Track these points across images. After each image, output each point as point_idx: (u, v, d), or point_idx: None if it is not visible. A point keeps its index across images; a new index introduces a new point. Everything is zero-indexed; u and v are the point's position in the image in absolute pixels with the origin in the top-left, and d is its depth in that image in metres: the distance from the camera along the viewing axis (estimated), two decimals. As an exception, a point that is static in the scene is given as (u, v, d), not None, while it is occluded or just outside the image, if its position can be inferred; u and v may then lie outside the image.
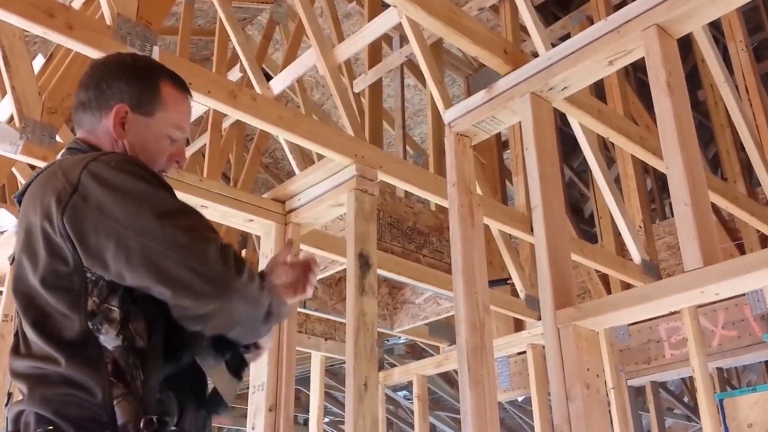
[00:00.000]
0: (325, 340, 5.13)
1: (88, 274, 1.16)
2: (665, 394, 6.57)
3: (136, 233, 1.12)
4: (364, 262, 2.81)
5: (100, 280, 1.16)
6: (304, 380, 6.01)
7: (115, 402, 1.10)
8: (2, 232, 3.58)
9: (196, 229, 1.16)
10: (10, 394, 1.20)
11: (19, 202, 1.30)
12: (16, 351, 1.20)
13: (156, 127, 1.34)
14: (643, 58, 2.08)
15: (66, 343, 1.13)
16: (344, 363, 4.21)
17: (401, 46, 5.07)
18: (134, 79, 1.34)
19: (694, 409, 6.76)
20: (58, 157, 1.34)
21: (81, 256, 1.15)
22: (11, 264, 1.28)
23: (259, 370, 2.93)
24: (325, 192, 3.08)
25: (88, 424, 1.09)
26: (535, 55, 2.58)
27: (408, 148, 5.61)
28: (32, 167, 3.62)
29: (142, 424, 1.10)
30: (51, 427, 1.08)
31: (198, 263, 1.12)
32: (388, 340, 6.17)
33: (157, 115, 1.34)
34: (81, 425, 1.09)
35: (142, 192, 1.17)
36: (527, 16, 2.80)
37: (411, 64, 5.46)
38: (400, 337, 5.72)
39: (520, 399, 6.92)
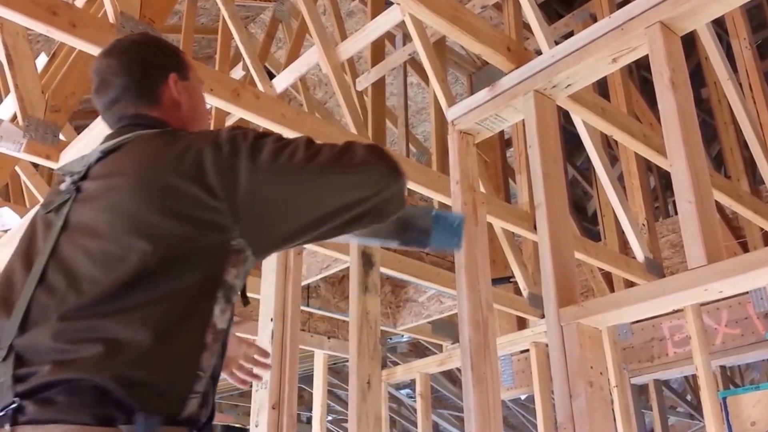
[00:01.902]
0: (328, 338, 5.13)
1: (233, 242, 1.13)
2: (668, 392, 6.57)
3: (310, 174, 1.16)
4: (367, 261, 2.81)
5: (242, 253, 1.15)
6: (307, 378, 6.02)
7: (190, 396, 1.06)
8: (6, 231, 3.58)
9: (328, 146, 1.21)
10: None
11: (96, 162, 1.23)
12: (69, 310, 1.06)
13: (196, 88, 1.42)
14: (646, 56, 2.07)
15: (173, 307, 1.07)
16: (347, 361, 4.20)
17: (404, 44, 5.06)
18: (164, 49, 1.41)
19: (697, 407, 6.76)
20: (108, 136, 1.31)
21: (251, 219, 1.14)
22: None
23: (262, 368, 2.94)
24: (328, 190, 3.07)
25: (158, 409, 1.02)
26: (539, 52, 2.58)
27: (411, 146, 5.61)
28: (35, 166, 3.62)
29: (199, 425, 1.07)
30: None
31: (361, 161, 1.18)
32: (391, 339, 6.17)
33: (190, 76, 1.41)
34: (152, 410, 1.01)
35: (290, 142, 1.22)
36: (530, 14, 2.79)
37: (414, 62, 5.45)
38: (403, 336, 5.72)
39: (523, 397, 6.93)
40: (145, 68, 1.34)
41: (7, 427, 0.97)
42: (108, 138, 1.30)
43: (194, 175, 1.13)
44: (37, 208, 1.29)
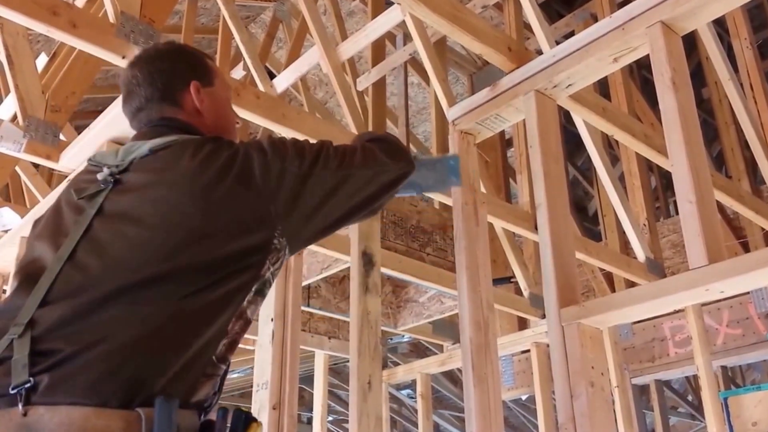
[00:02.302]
0: (329, 338, 5.13)
1: (275, 241, 1.21)
2: (669, 392, 6.56)
3: (341, 177, 1.35)
4: (367, 261, 2.80)
5: (281, 251, 1.23)
6: (308, 379, 6.01)
7: (202, 380, 1.12)
8: (6, 231, 3.58)
9: (350, 149, 1.43)
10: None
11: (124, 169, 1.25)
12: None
13: (221, 94, 1.46)
14: (647, 56, 2.07)
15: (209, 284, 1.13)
16: (348, 361, 4.20)
17: (405, 44, 5.06)
18: (187, 57, 1.45)
19: (698, 407, 6.76)
20: (131, 137, 1.36)
21: (292, 219, 1.24)
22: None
23: (262, 369, 2.93)
24: (329, 190, 3.07)
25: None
26: (539, 52, 2.58)
27: (411, 146, 5.60)
28: (35, 166, 3.62)
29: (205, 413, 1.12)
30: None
31: (377, 160, 1.45)
32: (391, 339, 6.17)
33: (215, 82, 1.45)
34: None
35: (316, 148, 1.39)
36: (531, 14, 2.78)
37: (414, 62, 5.45)
38: (403, 336, 5.71)
39: (524, 397, 6.92)
40: (167, 78, 1.39)
41: (20, 406, 0.96)
42: (140, 137, 1.33)
43: (244, 178, 1.20)
44: (59, 190, 1.32)
